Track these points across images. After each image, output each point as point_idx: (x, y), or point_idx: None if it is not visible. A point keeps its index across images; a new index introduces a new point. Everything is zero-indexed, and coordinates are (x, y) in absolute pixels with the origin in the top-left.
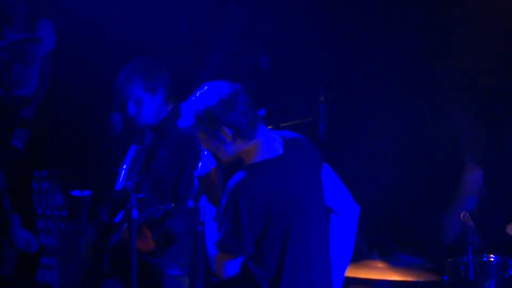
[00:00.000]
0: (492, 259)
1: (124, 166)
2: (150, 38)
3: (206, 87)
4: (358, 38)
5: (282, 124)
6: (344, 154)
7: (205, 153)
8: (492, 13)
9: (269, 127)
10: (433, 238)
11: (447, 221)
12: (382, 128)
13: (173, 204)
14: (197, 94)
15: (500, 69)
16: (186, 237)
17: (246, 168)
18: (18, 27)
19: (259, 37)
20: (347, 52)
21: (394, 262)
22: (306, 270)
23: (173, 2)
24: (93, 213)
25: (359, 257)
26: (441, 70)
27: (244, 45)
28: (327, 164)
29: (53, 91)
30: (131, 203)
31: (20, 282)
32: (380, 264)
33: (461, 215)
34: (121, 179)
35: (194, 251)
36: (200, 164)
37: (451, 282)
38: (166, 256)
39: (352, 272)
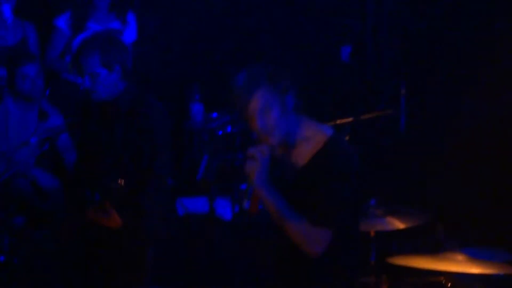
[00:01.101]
0: None
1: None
2: None
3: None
4: (442, 31)
5: (362, 116)
6: (423, 148)
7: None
8: None
9: (349, 119)
10: None
11: None
12: (463, 122)
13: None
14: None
15: None
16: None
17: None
18: (103, 19)
19: (339, 28)
20: (430, 45)
21: (474, 255)
22: None
23: None
24: None
25: (439, 249)
26: None
27: (326, 36)
28: None
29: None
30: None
31: None
32: (459, 257)
33: None
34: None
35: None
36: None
37: None
38: None
39: (431, 264)
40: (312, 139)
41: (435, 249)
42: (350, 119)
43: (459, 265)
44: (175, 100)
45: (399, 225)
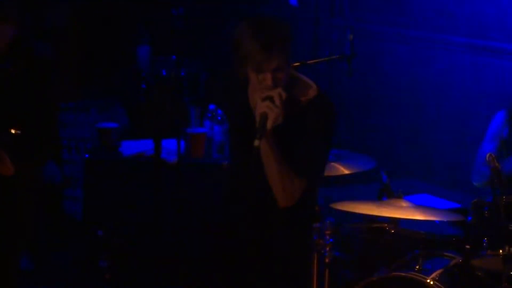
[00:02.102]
0: None
1: None
2: None
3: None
4: None
5: (309, 61)
6: (368, 94)
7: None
8: None
9: (296, 64)
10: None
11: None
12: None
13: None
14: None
15: None
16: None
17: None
18: None
19: None
20: None
21: (418, 202)
22: None
23: None
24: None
25: (384, 195)
26: None
27: None
28: None
29: (80, 22)
30: None
31: (44, 213)
32: (404, 203)
33: (487, 156)
34: None
35: None
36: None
37: (475, 223)
38: None
39: (375, 210)
40: (301, 90)
41: (379, 196)
42: (297, 64)
43: (403, 211)
44: (122, 43)
45: (344, 170)
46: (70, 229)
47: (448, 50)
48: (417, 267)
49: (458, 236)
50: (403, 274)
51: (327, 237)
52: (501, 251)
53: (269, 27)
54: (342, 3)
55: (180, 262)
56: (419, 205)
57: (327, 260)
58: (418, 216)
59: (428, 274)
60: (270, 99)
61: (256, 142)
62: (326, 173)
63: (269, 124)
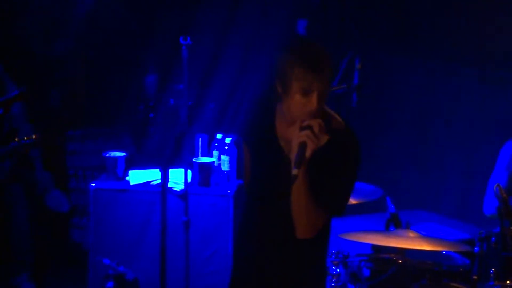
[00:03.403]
0: None
1: None
2: None
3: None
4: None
5: None
6: (374, 123)
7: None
8: None
9: None
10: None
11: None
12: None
13: None
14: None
15: None
16: None
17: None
18: None
19: (296, 1)
20: (385, 19)
21: (425, 232)
22: None
23: None
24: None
25: (391, 225)
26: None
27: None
28: None
29: (88, 50)
30: None
31: (51, 241)
32: (411, 234)
33: (494, 187)
34: None
35: None
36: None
37: (482, 254)
38: None
39: (383, 240)
40: (328, 121)
41: (386, 226)
42: None
43: (410, 242)
44: (130, 72)
45: (351, 200)
46: (77, 257)
47: (456, 80)
48: None
49: (465, 266)
50: None
51: (334, 267)
52: (508, 282)
53: (316, 49)
54: (351, 31)
55: None
56: (426, 235)
57: None
58: (426, 246)
59: None
60: (310, 128)
61: (295, 171)
62: None
63: (308, 153)
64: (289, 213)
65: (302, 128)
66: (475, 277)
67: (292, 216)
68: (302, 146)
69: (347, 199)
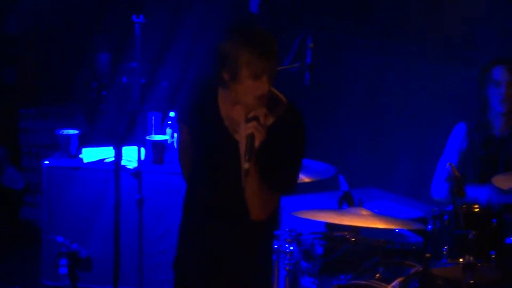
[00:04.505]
0: (477, 209)
1: None
2: None
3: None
4: None
5: None
6: (326, 102)
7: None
8: None
9: None
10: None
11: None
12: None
13: None
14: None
15: None
16: None
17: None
18: None
19: None
20: None
21: (378, 210)
22: None
23: None
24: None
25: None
26: None
27: None
28: None
29: (41, 29)
30: None
31: (4, 218)
32: (364, 212)
33: (447, 165)
34: None
35: None
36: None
37: (435, 232)
38: None
39: (336, 218)
40: (273, 103)
41: (339, 204)
42: None
43: (363, 220)
44: (82, 50)
45: (304, 178)
46: (30, 235)
47: (408, 59)
48: (377, 275)
49: (418, 244)
50: (363, 282)
51: (288, 245)
52: (461, 259)
53: (264, 35)
54: (304, 10)
55: (142, 269)
56: (379, 213)
57: (287, 268)
58: (379, 224)
59: (388, 282)
60: (257, 119)
61: (246, 165)
62: None
63: (256, 144)
64: (235, 189)
65: (248, 120)
66: (428, 255)
67: (246, 200)
68: (251, 137)
69: (297, 177)
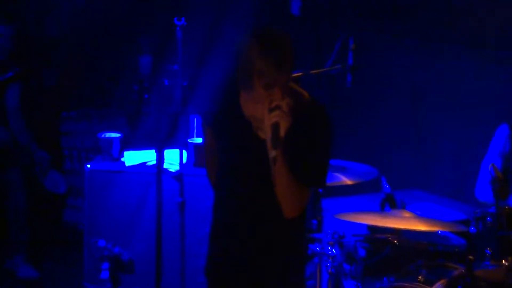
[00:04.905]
0: None
1: None
2: None
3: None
4: None
5: (312, 71)
6: (368, 104)
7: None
8: None
9: (299, 74)
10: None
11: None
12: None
13: None
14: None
15: None
16: None
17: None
18: None
19: None
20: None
21: (421, 212)
22: None
23: None
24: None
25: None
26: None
27: None
28: None
29: (83, 31)
30: None
31: (47, 221)
32: (406, 214)
33: (489, 166)
34: None
35: None
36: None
37: (477, 234)
38: None
39: (378, 221)
40: (295, 97)
41: (382, 206)
42: (299, 74)
43: (405, 222)
44: (124, 53)
45: (347, 181)
46: (72, 238)
47: (451, 59)
48: (420, 277)
49: (461, 246)
50: (406, 284)
51: (330, 248)
52: (503, 261)
53: (280, 43)
54: (345, 11)
55: (184, 271)
56: (421, 215)
57: (330, 271)
58: (421, 226)
59: (431, 284)
60: (279, 108)
61: (273, 153)
62: (329, 184)
63: (282, 132)
64: (263, 188)
65: (271, 110)
66: (470, 257)
67: (276, 198)
68: (275, 126)
69: (326, 169)
